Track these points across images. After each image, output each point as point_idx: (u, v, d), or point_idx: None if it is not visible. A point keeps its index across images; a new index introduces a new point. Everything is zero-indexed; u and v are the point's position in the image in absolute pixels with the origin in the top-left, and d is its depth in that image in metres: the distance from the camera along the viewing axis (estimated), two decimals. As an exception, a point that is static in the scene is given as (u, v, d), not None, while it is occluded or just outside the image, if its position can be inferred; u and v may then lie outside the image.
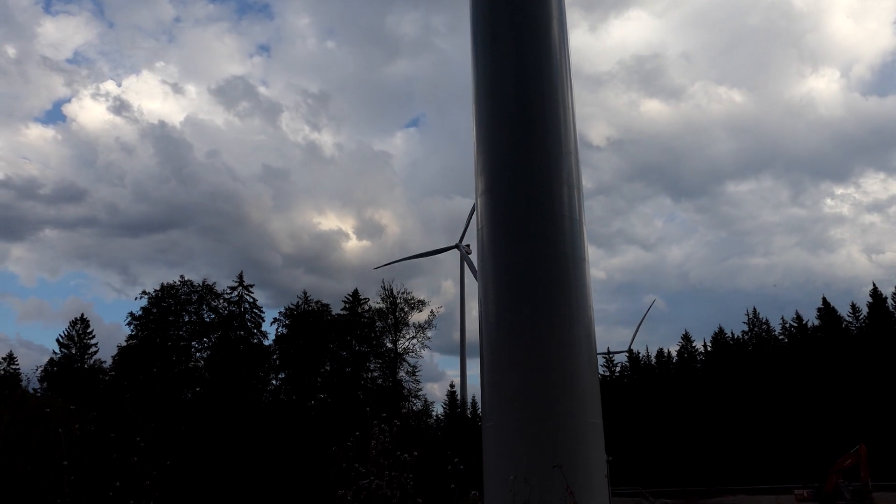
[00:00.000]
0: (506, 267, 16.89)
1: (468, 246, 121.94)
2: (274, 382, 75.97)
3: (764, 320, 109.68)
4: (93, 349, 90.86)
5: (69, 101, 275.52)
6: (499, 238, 17.16)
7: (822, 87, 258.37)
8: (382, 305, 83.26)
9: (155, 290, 70.30)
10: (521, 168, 16.93)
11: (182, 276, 73.14)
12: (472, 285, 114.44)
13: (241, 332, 72.12)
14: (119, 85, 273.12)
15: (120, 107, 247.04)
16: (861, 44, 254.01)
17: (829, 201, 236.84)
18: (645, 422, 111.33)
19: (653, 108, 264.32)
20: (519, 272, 16.64)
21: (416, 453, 10.40)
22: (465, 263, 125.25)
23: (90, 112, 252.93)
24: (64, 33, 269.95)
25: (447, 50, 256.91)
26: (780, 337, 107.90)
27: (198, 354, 72.23)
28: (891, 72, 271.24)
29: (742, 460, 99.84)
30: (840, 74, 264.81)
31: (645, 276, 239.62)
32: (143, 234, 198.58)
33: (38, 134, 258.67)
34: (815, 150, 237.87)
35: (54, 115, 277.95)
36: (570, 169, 17.14)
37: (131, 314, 69.14)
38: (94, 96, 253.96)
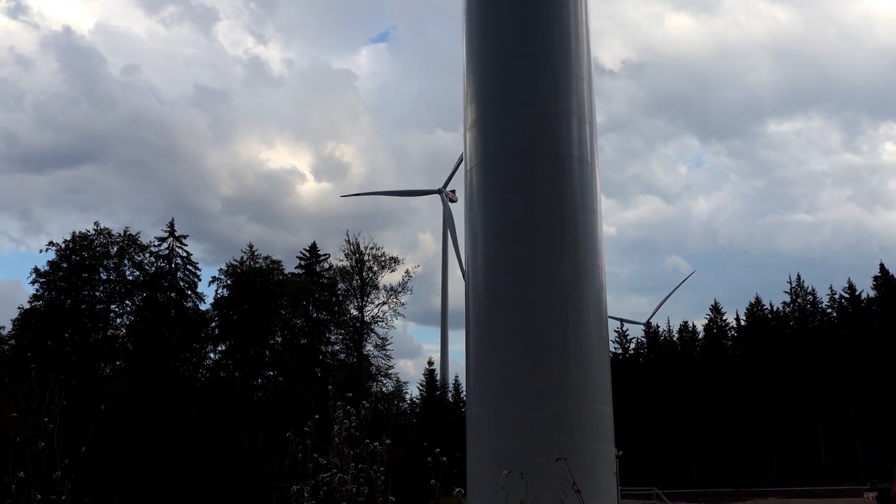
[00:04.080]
0: (499, 218, 16.81)
1: (453, 192, 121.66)
2: (212, 356, 76.34)
3: (809, 290, 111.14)
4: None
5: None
6: (491, 182, 17.04)
7: (884, 6, 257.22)
8: (346, 264, 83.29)
9: (64, 241, 69.88)
10: (522, 95, 16.76)
11: (97, 224, 72.66)
12: (456, 240, 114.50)
13: (172, 294, 72.05)
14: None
15: (15, 9, 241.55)
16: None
17: (889, 146, 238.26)
18: (664, 410, 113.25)
19: (680, 25, 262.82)
20: (515, 225, 16.58)
21: (388, 442, 10.54)
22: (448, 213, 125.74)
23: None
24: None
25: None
26: (827, 310, 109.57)
27: (118, 321, 72.23)
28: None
29: (778, 458, 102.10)
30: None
31: (664, 233, 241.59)
32: (47, 169, 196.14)
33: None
34: (875, 83, 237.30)
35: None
36: (582, 98, 16.95)
37: (35, 270, 68.82)
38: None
